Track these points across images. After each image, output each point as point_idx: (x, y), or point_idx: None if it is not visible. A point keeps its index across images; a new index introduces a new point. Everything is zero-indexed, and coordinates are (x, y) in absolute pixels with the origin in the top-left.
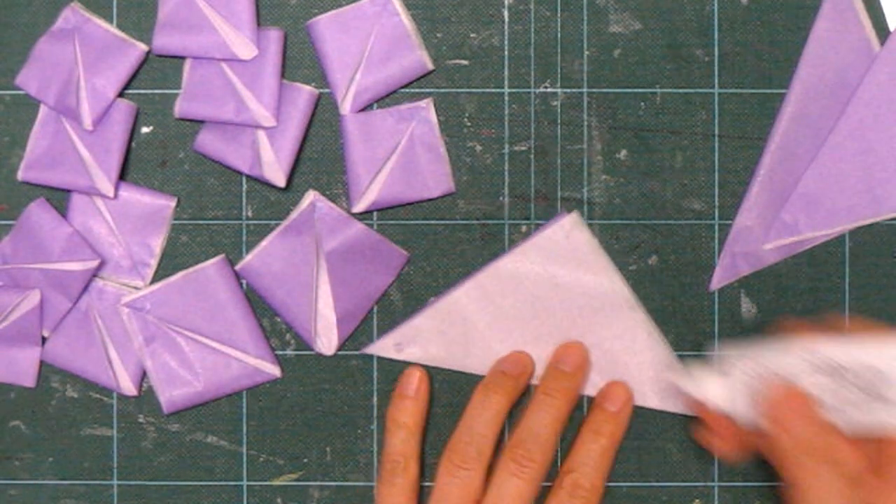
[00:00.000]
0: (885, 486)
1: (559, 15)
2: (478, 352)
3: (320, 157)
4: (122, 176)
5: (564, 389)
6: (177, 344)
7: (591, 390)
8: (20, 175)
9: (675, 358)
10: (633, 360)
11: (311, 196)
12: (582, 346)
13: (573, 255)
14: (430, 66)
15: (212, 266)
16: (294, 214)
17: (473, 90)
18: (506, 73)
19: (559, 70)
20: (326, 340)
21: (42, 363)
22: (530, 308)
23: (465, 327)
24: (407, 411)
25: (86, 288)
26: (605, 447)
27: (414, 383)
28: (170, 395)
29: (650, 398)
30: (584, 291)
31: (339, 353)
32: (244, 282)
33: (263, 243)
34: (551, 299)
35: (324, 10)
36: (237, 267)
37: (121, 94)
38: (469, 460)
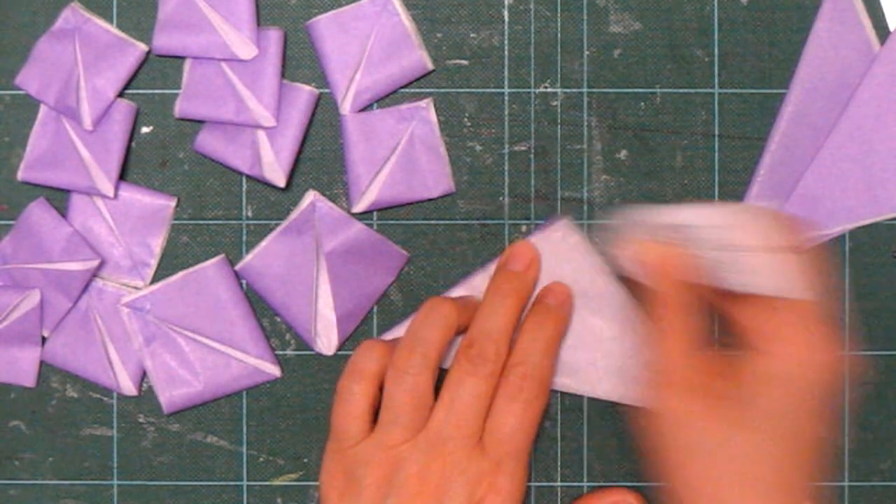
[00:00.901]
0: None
1: (559, 15)
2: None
3: (320, 157)
4: (122, 176)
5: (516, 289)
6: (177, 344)
7: (596, 393)
8: (20, 175)
9: None
10: (633, 361)
11: (311, 196)
12: (531, 245)
13: (568, 257)
14: (430, 66)
15: (212, 266)
16: (294, 214)
17: (473, 90)
18: (506, 73)
19: (559, 70)
20: (326, 340)
21: (42, 363)
22: (524, 310)
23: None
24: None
25: (86, 288)
26: (549, 338)
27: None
28: (170, 395)
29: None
30: (582, 293)
31: (340, 352)
32: (244, 282)
33: (263, 243)
34: None
35: (324, 10)
36: (237, 267)
37: (121, 94)
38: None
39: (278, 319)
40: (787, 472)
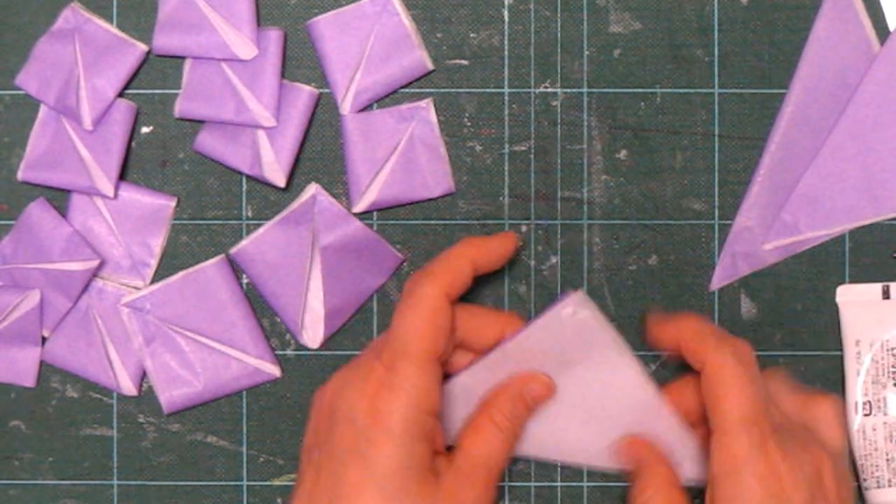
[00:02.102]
0: None
1: (559, 15)
2: None
3: (320, 157)
4: (122, 176)
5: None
6: (177, 344)
7: (610, 464)
8: (20, 175)
9: (686, 431)
10: (652, 438)
11: (312, 189)
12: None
13: (581, 333)
14: (430, 66)
15: (212, 266)
16: (294, 205)
17: (473, 90)
18: (506, 73)
19: (559, 70)
20: (312, 333)
21: (42, 363)
22: None
23: (470, 409)
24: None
25: (86, 288)
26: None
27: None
28: (170, 395)
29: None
30: (597, 371)
31: (340, 353)
32: (244, 281)
33: (260, 230)
34: (562, 380)
35: (324, 10)
36: (231, 251)
37: (121, 94)
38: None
39: (278, 319)
40: None
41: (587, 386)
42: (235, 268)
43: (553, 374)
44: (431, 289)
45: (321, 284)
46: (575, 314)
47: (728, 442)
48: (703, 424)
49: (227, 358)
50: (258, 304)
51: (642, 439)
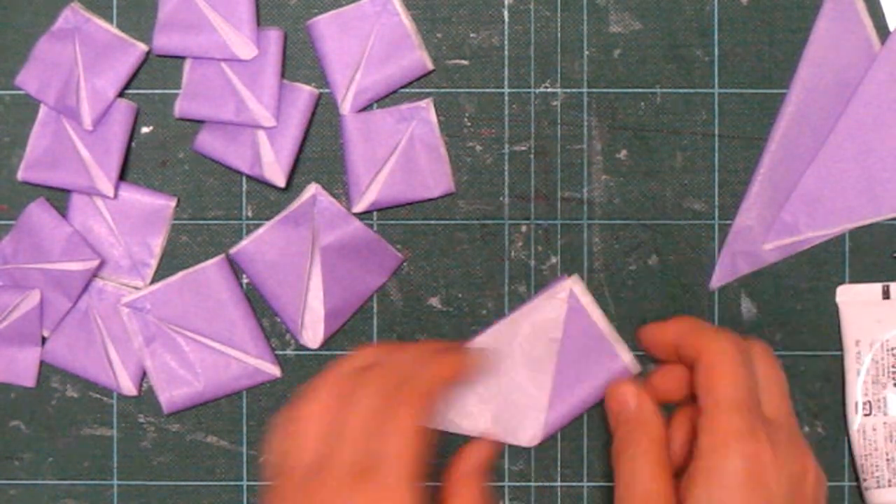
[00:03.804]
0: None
1: (559, 15)
2: (473, 409)
3: (320, 157)
4: (122, 176)
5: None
6: (177, 344)
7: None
8: (20, 175)
9: None
10: None
11: (312, 189)
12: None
13: (571, 315)
14: (430, 66)
15: (212, 266)
16: (294, 205)
17: (473, 90)
18: (506, 73)
19: (559, 70)
20: (312, 333)
21: (42, 363)
22: (524, 366)
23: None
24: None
25: (86, 288)
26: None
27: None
28: (170, 395)
29: None
30: (584, 352)
31: (340, 353)
32: (244, 281)
33: (260, 230)
34: (547, 357)
35: (324, 10)
36: (231, 251)
37: (121, 94)
38: None
39: (278, 319)
40: None
41: (573, 366)
42: (235, 268)
43: (540, 352)
44: (411, 420)
45: (321, 284)
46: (569, 296)
47: (721, 419)
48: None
49: (227, 358)
50: (258, 305)
51: (632, 384)
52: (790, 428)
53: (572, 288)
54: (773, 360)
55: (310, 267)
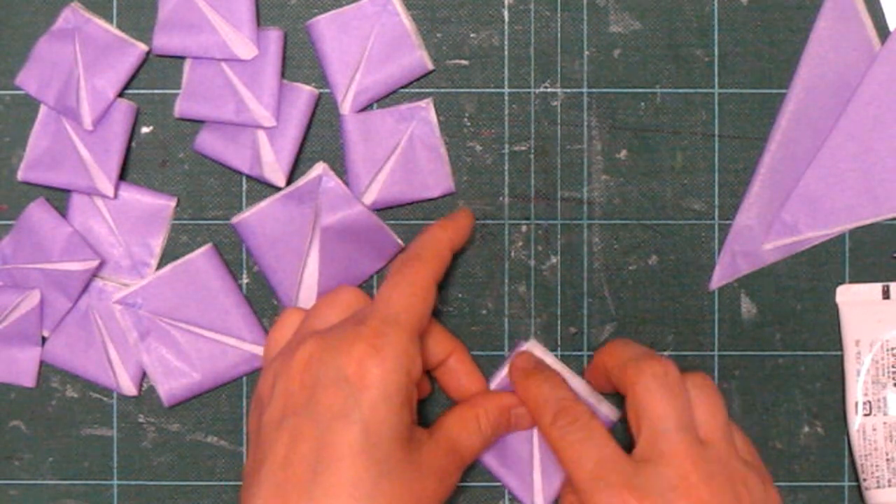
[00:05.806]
0: None
1: (559, 15)
2: None
3: (320, 157)
4: (122, 176)
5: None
6: (172, 336)
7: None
8: (20, 175)
9: None
10: None
11: (319, 168)
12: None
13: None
14: (430, 66)
15: (200, 256)
16: (300, 182)
17: (473, 90)
18: (506, 73)
19: (559, 70)
20: None
21: (42, 363)
22: None
23: None
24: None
25: (86, 288)
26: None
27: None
28: (169, 388)
29: None
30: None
31: None
32: (242, 267)
33: (263, 203)
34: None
35: (324, 10)
36: (233, 220)
37: (121, 94)
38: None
39: (275, 302)
40: None
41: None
42: (236, 238)
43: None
44: (425, 273)
45: (318, 264)
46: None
47: (661, 437)
48: None
49: (222, 346)
50: (253, 296)
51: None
52: (726, 450)
53: (532, 351)
54: (709, 385)
55: (309, 245)
